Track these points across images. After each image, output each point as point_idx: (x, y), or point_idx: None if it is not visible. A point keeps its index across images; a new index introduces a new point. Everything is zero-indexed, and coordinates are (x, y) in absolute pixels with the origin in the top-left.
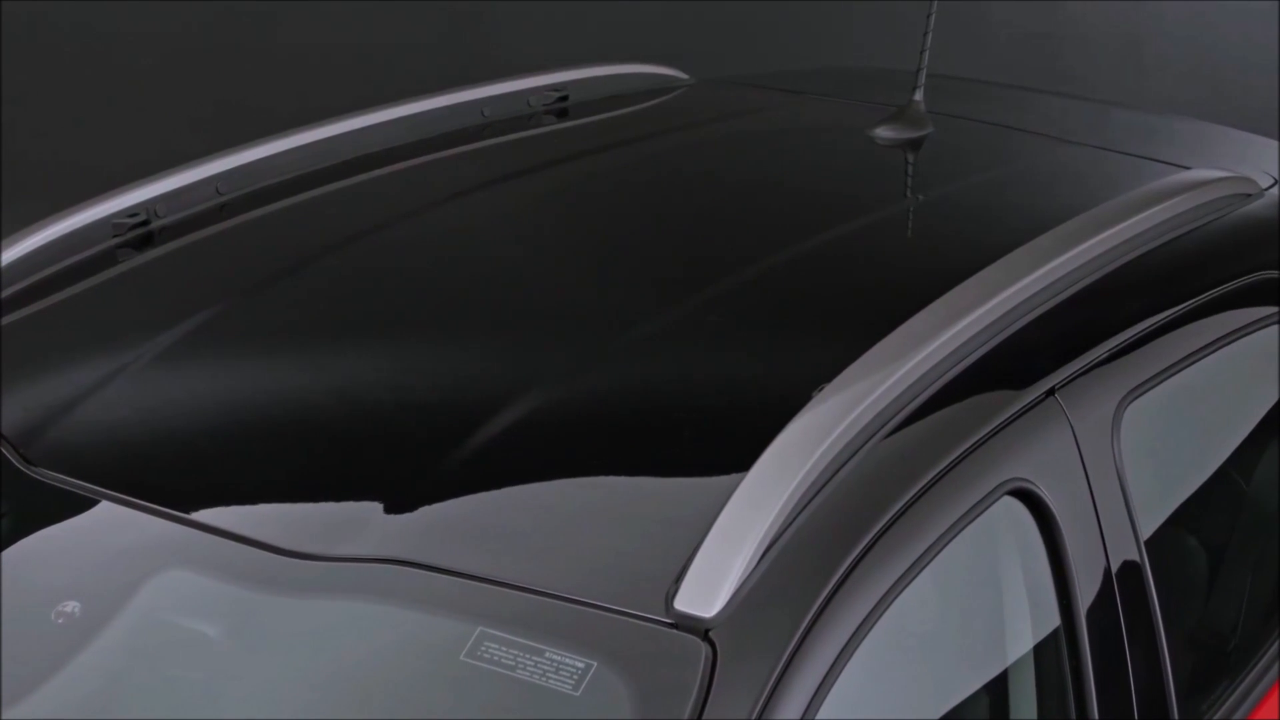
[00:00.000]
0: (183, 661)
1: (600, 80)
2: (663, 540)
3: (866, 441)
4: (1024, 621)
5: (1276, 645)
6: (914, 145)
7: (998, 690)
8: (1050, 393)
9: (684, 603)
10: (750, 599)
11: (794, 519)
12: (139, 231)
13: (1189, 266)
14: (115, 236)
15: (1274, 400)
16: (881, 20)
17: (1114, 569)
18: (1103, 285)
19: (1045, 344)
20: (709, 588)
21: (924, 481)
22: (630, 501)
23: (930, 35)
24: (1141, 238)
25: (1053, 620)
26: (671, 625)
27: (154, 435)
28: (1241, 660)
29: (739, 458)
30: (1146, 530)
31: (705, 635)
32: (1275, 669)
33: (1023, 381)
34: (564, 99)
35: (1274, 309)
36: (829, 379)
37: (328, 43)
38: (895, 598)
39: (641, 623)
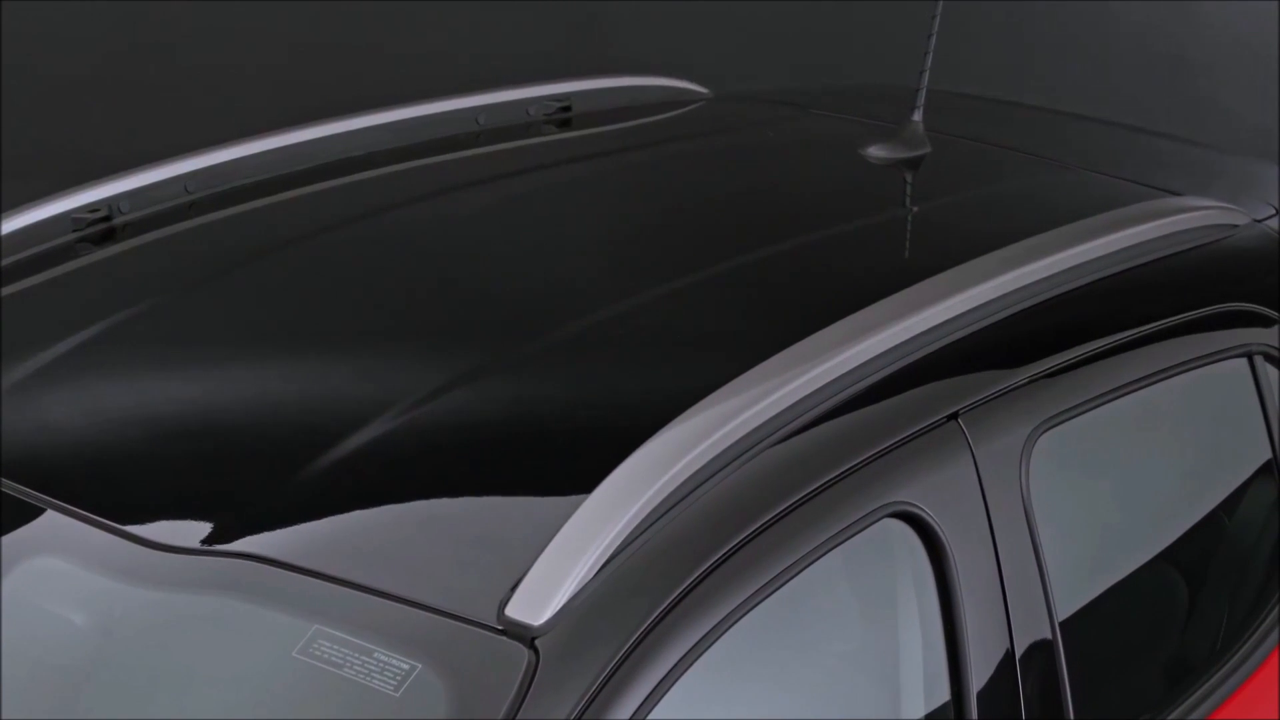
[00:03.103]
0: (25, 643)
1: (609, 92)
2: (509, 550)
3: (738, 457)
4: (904, 644)
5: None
6: (906, 165)
7: (865, 713)
8: (953, 417)
9: (514, 610)
10: (581, 610)
11: (642, 533)
12: (99, 227)
13: (1136, 295)
14: (75, 231)
15: (1231, 433)
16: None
17: (1010, 600)
18: (1034, 310)
19: (955, 366)
20: (540, 597)
21: (790, 500)
22: (487, 513)
23: (930, 55)
24: (1095, 264)
25: (936, 643)
26: (500, 632)
27: (34, 426)
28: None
29: (600, 472)
30: (1055, 562)
31: (531, 643)
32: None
33: (921, 403)
34: (566, 109)
35: (1238, 341)
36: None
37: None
38: (744, 615)
39: (470, 628)
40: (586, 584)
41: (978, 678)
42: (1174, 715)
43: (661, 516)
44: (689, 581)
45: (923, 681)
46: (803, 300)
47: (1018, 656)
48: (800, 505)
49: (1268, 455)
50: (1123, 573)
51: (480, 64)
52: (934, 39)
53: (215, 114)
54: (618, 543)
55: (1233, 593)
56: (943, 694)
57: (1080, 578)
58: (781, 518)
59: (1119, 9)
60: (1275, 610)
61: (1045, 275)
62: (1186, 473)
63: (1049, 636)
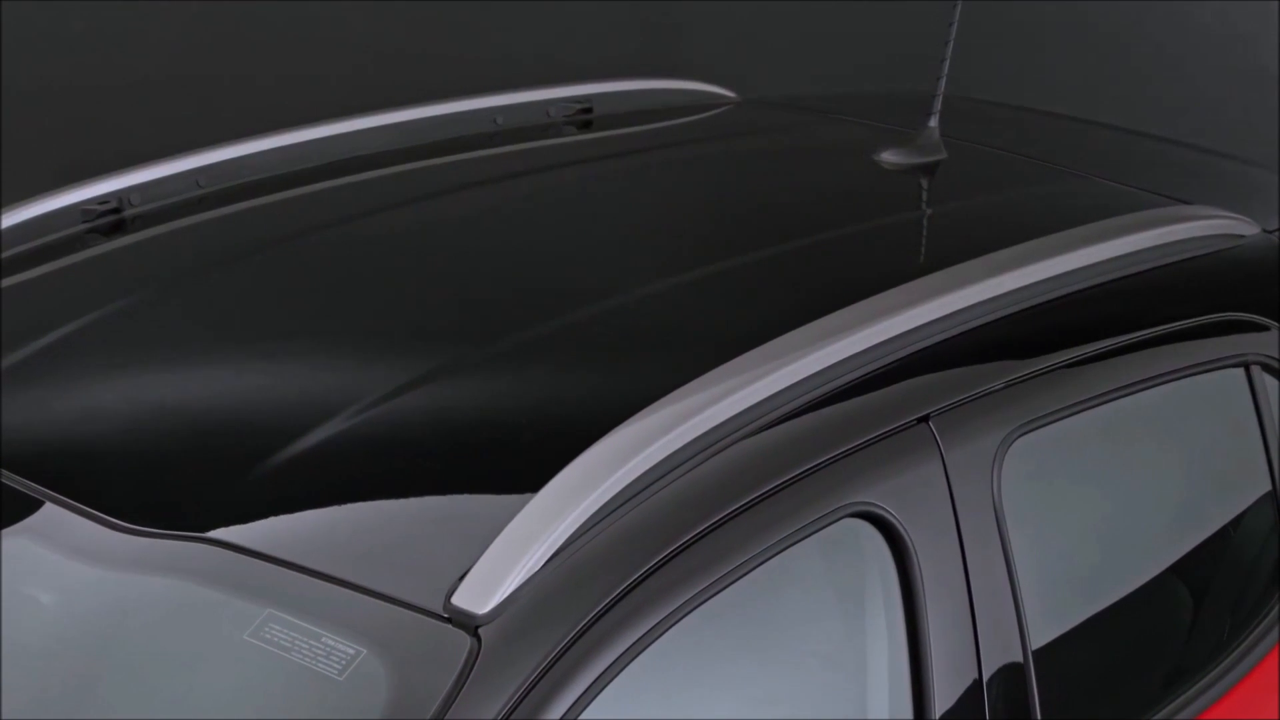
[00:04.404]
0: None
1: (635, 95)
2: (462, 542)
3: (697, 454)
4: (862, 642)
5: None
6: (920, 171)
7: (804, 707)
8: (924, 419)
9: (460, 599)
10: (526, 600)
11: (593, 526)
12: (109, 219)
13: (1126, 302)
14: (84, 222)
15: (1223, 443)
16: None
17: (976, 604)
18: (1018, 315)
19: (930, 369)
20: (486, 587)
21: (746, 498)
22: (444, 506)
23: (948, 62)
24: (1086, 271)
25: (898, 643)
26: (445, 619)
27: (11, 411)
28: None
29: (557, 468)
30: (1026, 568)
31: (474, 631)
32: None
33: (891, 405)
34: (588, 111)
35: (1235, 351)
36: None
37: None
38: (691, 612)
39: (417, 615)
40: (533, 575)
41: (940, 682)
42: None
43: (613, 511)
44: (637, 575)
45: (878, 680)
46: (784, 302)
47: (983, 661)
48: (757, 503)
49: (1263, 466)
50: (1100, 583)
51: (544, 66)
52: (951, 45)
53: (281, 114)
54: (566, 536)
55: (1221, 608)
56: (902, 696)
57: (1053, 585)
58: (736, 515)
59: (1206, 8)
60: (1266, 622)
61: (1033, 281)
62: (1173, 483)
63: (1016, 641)
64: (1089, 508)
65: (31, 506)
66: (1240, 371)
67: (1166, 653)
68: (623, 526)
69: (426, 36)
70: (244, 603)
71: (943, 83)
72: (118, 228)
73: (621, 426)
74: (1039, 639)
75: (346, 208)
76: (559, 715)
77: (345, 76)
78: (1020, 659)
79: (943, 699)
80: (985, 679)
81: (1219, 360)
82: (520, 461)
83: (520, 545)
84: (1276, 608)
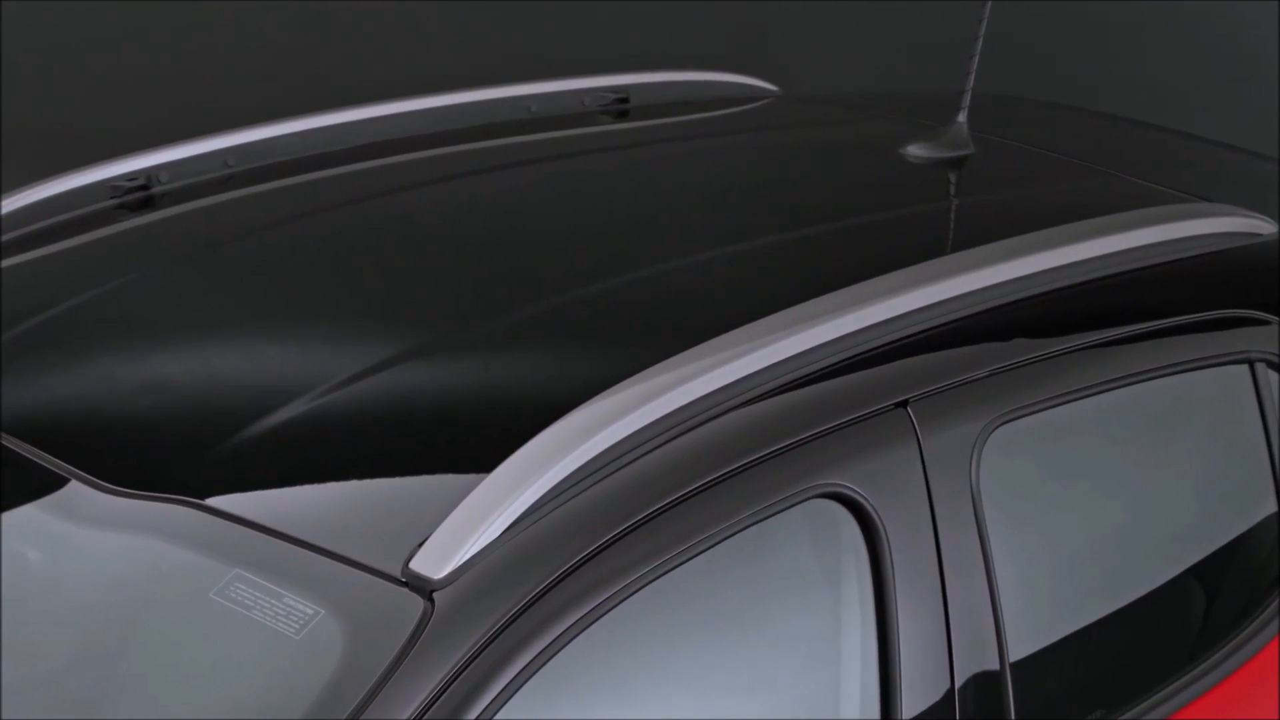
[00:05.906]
0: None
1: (671, 86)
2: (426, 511)
3: (662, 433)
4: (826, 620)
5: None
6: (945, 165)
7: (760, 687)
8: (902, 404)
9: (417, 564)
10: (482, 568)
11: (554, 499)
12: (137, 195)
13: (1123, 296)
14: (113, 198)
15: (1224, 440)
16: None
17: (948, 589)
18: (1008, 305)
19: (911, 355)
20: (443, 553)
21: (709, 477)
22: (412, 477)
23: (977, 58)
24: (1084, 265)
25: (867, 622)
26: (401, 583)
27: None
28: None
29: (523, 442)
30: (1003, 557)
31: (429, 595)
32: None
33: (868, 388)
34: (624, 100)
35: (1239, 347)
36: None
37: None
38: (645, 586)
39: (374, 578)
40: (490, 544)
41: (907, 667)
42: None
43: (575, 485)
44: (594, 548)
45: (846, 659)
46: (776, 288)
47: (954, 649)
48: (720, 481)
49: (1265, 464)
50: (1083, 577)
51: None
52: (980, 41)
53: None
54: (526, 506)
55: (1216, 603)
56: (870, 679)
57: (1032, 575)
58: (698, 492)
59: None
60: (1263, 618)
61: (1028, 272)
62: (1166, 477)
63: (990, 629)
64: (1074, 499)
65: (23, 466)
66: (1244, 368)
67: (1154, 646)
68: (584, 500)
69: (508, 34)
70: (214, 562)
71: (971, 78)
72: (145, 204)
73: (588, 403)
74: (1013, 629)
75: (356, 190)
76: (506, 681)
77: (433, 74)
78: (993, 647)
79: (910, 684)
80: (955, 666)
81: (1221, 356)
82: (488, 436)
83: (479, 514)
84: (1275, 604)
